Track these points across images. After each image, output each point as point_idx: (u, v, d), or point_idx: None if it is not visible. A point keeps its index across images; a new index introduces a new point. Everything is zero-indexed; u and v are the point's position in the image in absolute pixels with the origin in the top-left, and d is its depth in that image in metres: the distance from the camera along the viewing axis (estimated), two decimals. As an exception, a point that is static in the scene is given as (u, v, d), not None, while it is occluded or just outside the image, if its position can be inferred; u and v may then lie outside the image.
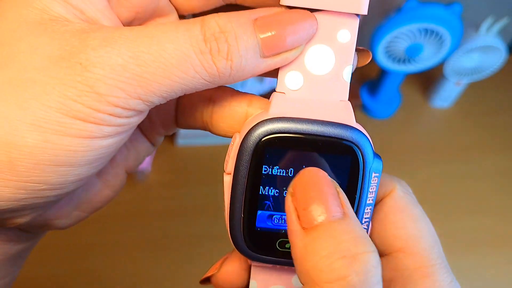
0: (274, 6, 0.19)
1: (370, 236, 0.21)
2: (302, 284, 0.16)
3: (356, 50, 0.20)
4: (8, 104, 0.16)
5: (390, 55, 0.55)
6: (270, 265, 0.21)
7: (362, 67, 0.21)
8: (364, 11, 0.18)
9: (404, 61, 0.56)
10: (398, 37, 0.52)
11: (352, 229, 0.15)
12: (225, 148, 0.23)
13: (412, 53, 0.54)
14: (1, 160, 0.16)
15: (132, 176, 0.54)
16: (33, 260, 0.44)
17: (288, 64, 0.19)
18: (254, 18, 0.18)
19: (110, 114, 0.17)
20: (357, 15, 0.19)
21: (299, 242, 0.16)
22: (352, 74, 0.20)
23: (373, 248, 0.15)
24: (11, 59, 0.16)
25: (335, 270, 0.15)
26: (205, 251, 0.50)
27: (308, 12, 0.18)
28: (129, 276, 0.48)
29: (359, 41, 0.21)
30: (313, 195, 0.16)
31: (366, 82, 0.65)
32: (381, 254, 0.21)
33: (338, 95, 0.19)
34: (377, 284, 0.15)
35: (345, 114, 0.19)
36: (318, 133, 0.19)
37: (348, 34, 0.19)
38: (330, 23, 0.19)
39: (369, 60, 0.21)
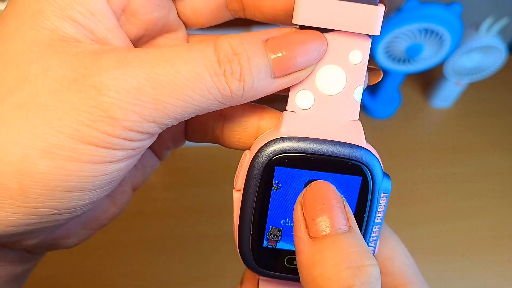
0: (285, 22, 0.19)
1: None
2: None
3: (368, 69, 0.20)
4: (20, 130, 0.15)
5: (390, 55, 0.55)
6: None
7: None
8: (377, 32, 0.18)
9: (404, 61, 0.56)
10: (398, 37, 0.52)
11: (357, 243, 0.16)
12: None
13: (412, 53, 0.54)
14: (12, 187, 0.15)
15: (132, 176, 0.54)
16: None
17: (299, 83, 0.19)
18: (265, 39, 0.17)
19: (124, 139, 0.16)
20: (369, 35, 0.18)
21: (306, 250, 0.16)
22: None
23: (376, 262, 0.16)
24: (22, 82, 0.16)
25: (342, 279, 0.15)
26: (205, 251, 0.50)
27: (318, 32, 0.18)
28: (129, 276, 0.48)
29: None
30: (322, 207, 0.17)
31: (366, 82, 0.65)
32: None
33: (348, 115, 0.19)
34: None
35: (355, 134, 0.19)
36: (327, 153, 0.19)
37: (359, 54, 0.19)
38: (342, 43, 0.18)
39: (380, 79, 0.21)
